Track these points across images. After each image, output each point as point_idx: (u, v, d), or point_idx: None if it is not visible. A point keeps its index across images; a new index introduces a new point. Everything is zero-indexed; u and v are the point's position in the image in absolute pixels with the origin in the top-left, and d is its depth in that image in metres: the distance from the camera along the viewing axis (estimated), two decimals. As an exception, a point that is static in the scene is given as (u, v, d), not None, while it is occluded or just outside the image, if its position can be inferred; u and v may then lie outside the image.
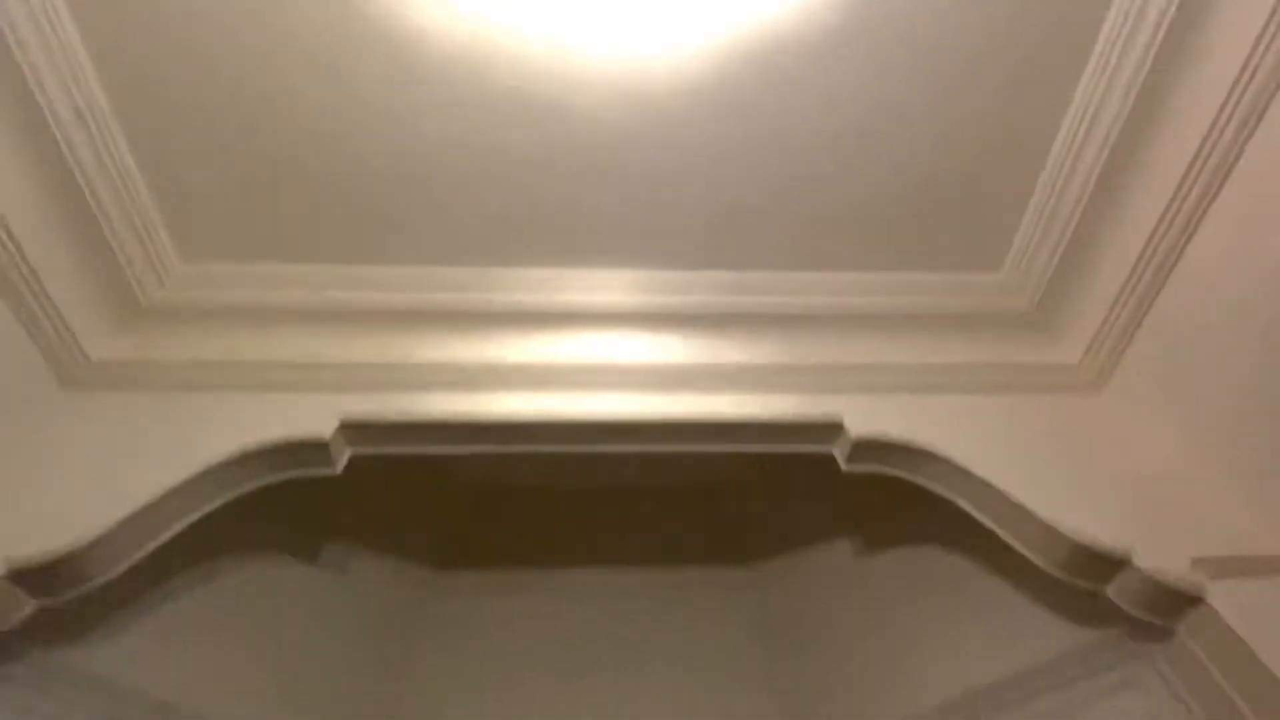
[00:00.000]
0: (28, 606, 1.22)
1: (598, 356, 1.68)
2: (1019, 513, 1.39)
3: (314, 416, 1.51)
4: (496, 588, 2.21)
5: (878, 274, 1.79)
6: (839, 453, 1.61)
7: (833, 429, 1.60)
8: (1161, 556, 1.28)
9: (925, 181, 1.66)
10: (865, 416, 1.58)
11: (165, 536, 1.37)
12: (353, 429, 1.53)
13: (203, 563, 1.69)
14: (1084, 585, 1.36)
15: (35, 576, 1.20)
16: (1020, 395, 1.66)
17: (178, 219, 1.63)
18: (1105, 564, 1.31)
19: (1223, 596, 1.22)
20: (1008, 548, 1.48)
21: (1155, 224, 1.48)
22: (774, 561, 2.20)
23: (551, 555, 2.26)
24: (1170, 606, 1.27)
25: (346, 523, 2.03)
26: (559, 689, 1.98)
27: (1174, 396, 1.59)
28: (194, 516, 1.41)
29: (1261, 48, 1.21)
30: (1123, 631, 1.42)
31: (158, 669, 1.49)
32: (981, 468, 1.46)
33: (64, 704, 1.35)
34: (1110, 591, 1.34)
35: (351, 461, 1.56)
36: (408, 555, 2.15)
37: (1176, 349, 1.56)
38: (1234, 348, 1.40)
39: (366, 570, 2.05)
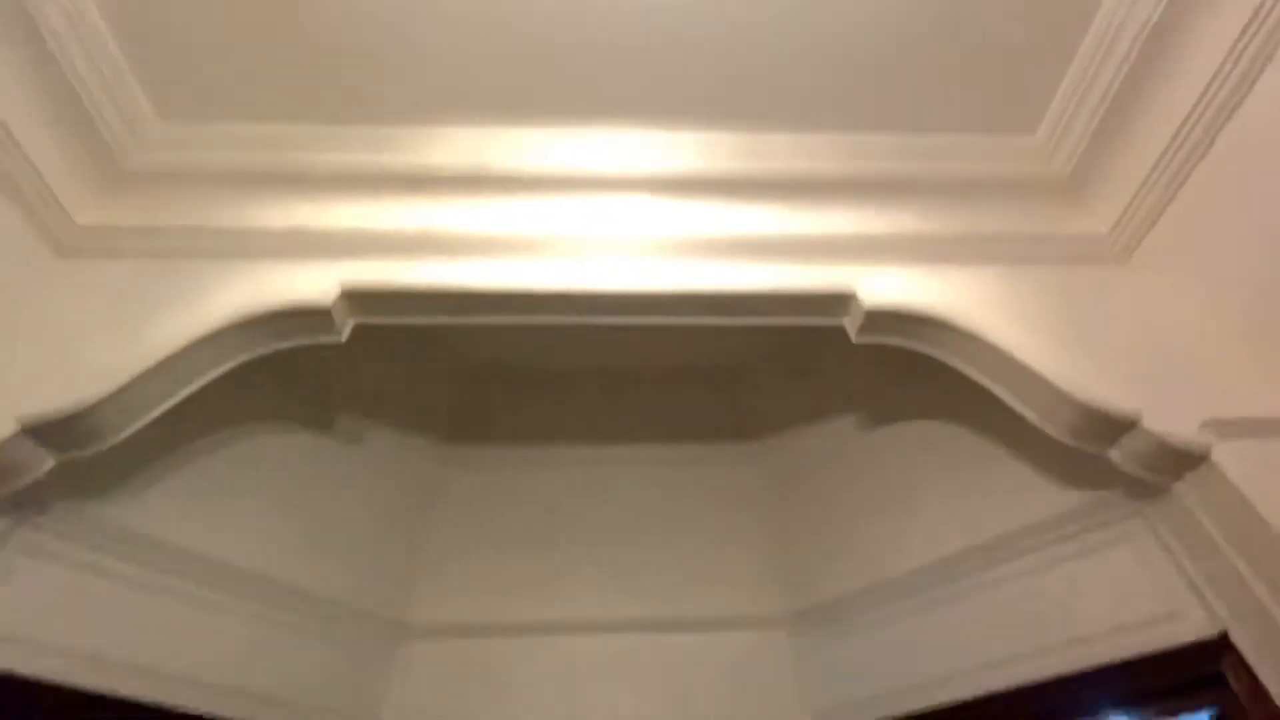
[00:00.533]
0: (48, 461, 1.25)
1: (603, 224, 1.61)
2: (1030, 379, 1.39)
3: (315, 284, 1.48)
4: (508, 463, 2.28)
5: (902, 136, 1.68)
6: (850, 325, 1.58)
7: (845, 300, 1.56)
8: (1171, 419, 1.28)
9: (963, 31, 1.52)
10: (879, 287, 1.54)
11: (175, 399, 1.38)
12: (354, 297, 1.50)
13: (220, 429, 1.73)
14: (1088, 449, 1.37)
15: (53, 432, 1.23)
16: (1042, 266, 1.60)
17: (151, 75, 1.53)
18: (1113, 426, 1.31)
19: (1228, 455, 1.23)
20: (1011, 416, 1.50)
21: (1204, 87, 1.36)
22: (779, 437, 2.25)
23: (561, 433, 2.31)
24: (1174, 466, 1.29)
25: (359, 397, 2.06)
26: (569, 556, 2.09)
27: (1200, 271, 1.54)
28: (203, 380, 1.41)
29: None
30: (1117, 493, 1.47)
31: (182, 524, 1.56)
32: (995, 335, 1.43)
33: (94, 551, 1.41)
34: (1114, 454, 1.35)
35: (358, 334, 1.54)
36: (420, 430, 2.20)
37: (1208, 223, 1.49)
38: (1268, 224, 1.34)
39: (380, 443, 2.10)
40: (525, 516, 2.18)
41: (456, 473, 2.25)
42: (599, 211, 1.63)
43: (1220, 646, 1.23)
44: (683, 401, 2.34)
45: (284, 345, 1.51)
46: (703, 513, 2.20)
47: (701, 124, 1.66)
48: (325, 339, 1.52)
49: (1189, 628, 1.28)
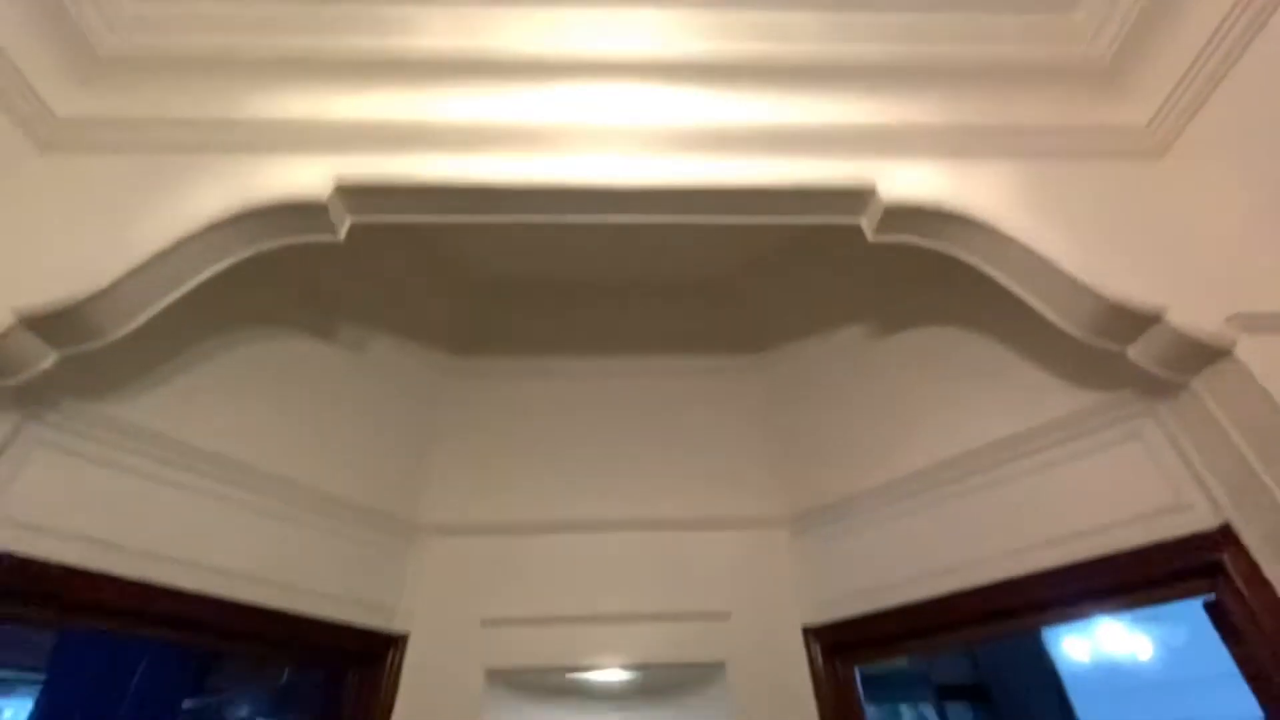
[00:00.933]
0: (50, 355, 1.24)
1: (609, 114, 1.52)
2: (1053, 275, 1.34)
3: (309, 178, 1.42)
4: (512, 374, 2.28)
5: (927, 14, 1.56)
6: (867, 222, 1.51)
7: (863, 196, 1.49)
8: (1195, 314, 1.24)
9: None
10: (900, 182, 1.46)
11: (171, 297, 1.35)
12: (350, 193, 1.44)
13: (225, 333, 1.71)
14: (1106, 346, 1.34)
15: (50, 326, 1.21)
16: (1073, 160, 1.51)
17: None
18: (1135, 321, 1.28)
19: (1252, 348, 1.20)
20: (1021, 320, 1.47)
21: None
22: (782, 349, 2.22)
23: (565, 345, 2.29)
24: (1194, 361, 1.26)
25: (361, 305, 2.03)
26: (575, 462, 2.12)
27: (1236, 166, 1.45)
28: (197, 279, 1.38)
29: None
30: (1127, 393, 1.45)
31: (192, 421, 1.57)
32: (1019, 231, 1.37)
33: (106, 447, 1.43)
34: (1132, 351, 1.32)
35: (358, 239, 1.49)
36: (425, 340, 2.18)
37: (1250, 116, 1.39)
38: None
39: (384, 352, 2.09)
40: (531, 425, 2.19)
41: (461, 383, 2.25)
42: (604, 101, 1.53)
43: (1221, 537, 1.25)
44: (686, 314, 2.30)
45: (279, 244, 1.46)
46: (707, 421, 2.21)
47: (713, 1, 1.54)
48: (321, 237, 1.48)
49: (1191, 519, 1.30)
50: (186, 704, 2.26)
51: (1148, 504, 1.36)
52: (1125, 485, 1.40)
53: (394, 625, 1.80)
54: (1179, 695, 4.21)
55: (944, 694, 3.97)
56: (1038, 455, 1.54)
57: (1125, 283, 1.28)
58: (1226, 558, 1.23)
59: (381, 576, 1.83)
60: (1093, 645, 3.74)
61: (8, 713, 4.44)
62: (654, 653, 1.77)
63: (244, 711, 2.00)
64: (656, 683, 1.88)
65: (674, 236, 2.12)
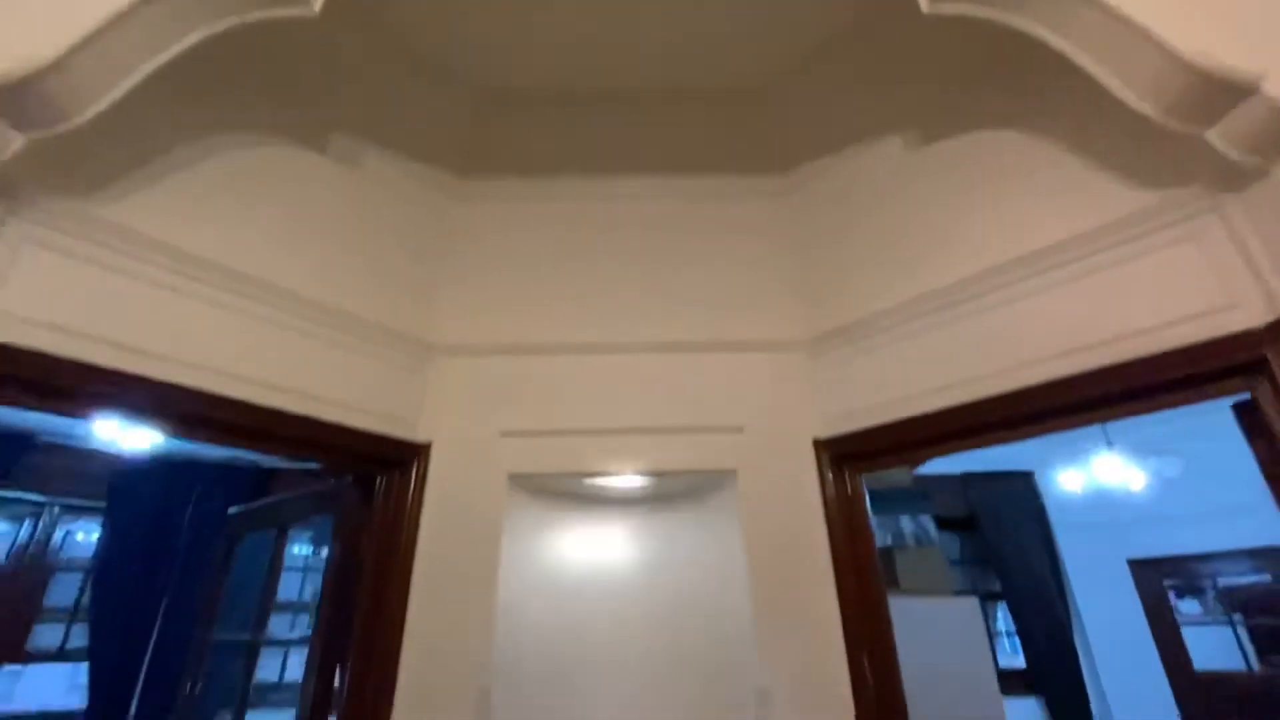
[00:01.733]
0: (16, 139, 1.15)
1: None
2: (1135, 40, 1.15)
3: (269, -69, 1.21)
4: (522, 195, 2.14)
5: None
6: (924, -15, 1.29)
7: (921, -49, 1.26)
8: (1297, 83, 1.07)
9: None
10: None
11: (138, 75, 1.22)
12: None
13: (211, 134, 1.59)
14: (1185, 128, 1.19)
15: (7, 101, 1.10)
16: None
17: None
18: (1227, 94, 1.11)
19: (1356, 121, 1.05)
20: (1081, 112, 1.30)
21: None
22: (812, 166, 2.05)
23: (575, 164, 2.13)
24: (1283, 139, 1.11)
25: (354, 115, 1.86)
26: (591, 285, 2.06)
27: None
28: (165, 54, 1.23)
29: None
30: (1194, 188, 1.32)
31: (190, 227, 1.51)
32: (1104, -11, 1.16)
33: (108, 251, 1.38)
34: (1213, 133, 1.17)
35: (351, 43, 1.30)
36: (423, 157, 2.03)
37: None
38: None
39: (382, 168, 1.95)
40: (544, 247, 2.11)
41: (470, 207, 2.13)
42: None
43: (1268, 334, 1.19)
44: (709, 126, 2.10)
45: (252, 17, 1.29)
46: (727, 244, 2.11)
47: None
48: (292, 10, 1.30)
49: (1238, 318, 1.23)
50: (232, 510, 2.43)
51: (1194, 305, 1.29)
52: (1173, 286, 1.32)
53: (417, 436, 1.85)
54: (1157, 530, 4.49)
55: (936, 524, 4.26)
56: (1080, 262, 1.45)
57: (1215, 46, 1.10)
58: (1271, 354, 1.17)
59: (400, 392, 1.86)
60: (1087, 478, 3.90)
61: (80, 535, 4.96)
62: (668, 460, 1.83)
63: (283, 514, 2.14)
64: (670, 490, 1.97)
65: (700, 36, 1.87)
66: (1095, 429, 3.80)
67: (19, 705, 3.90)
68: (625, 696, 1.83)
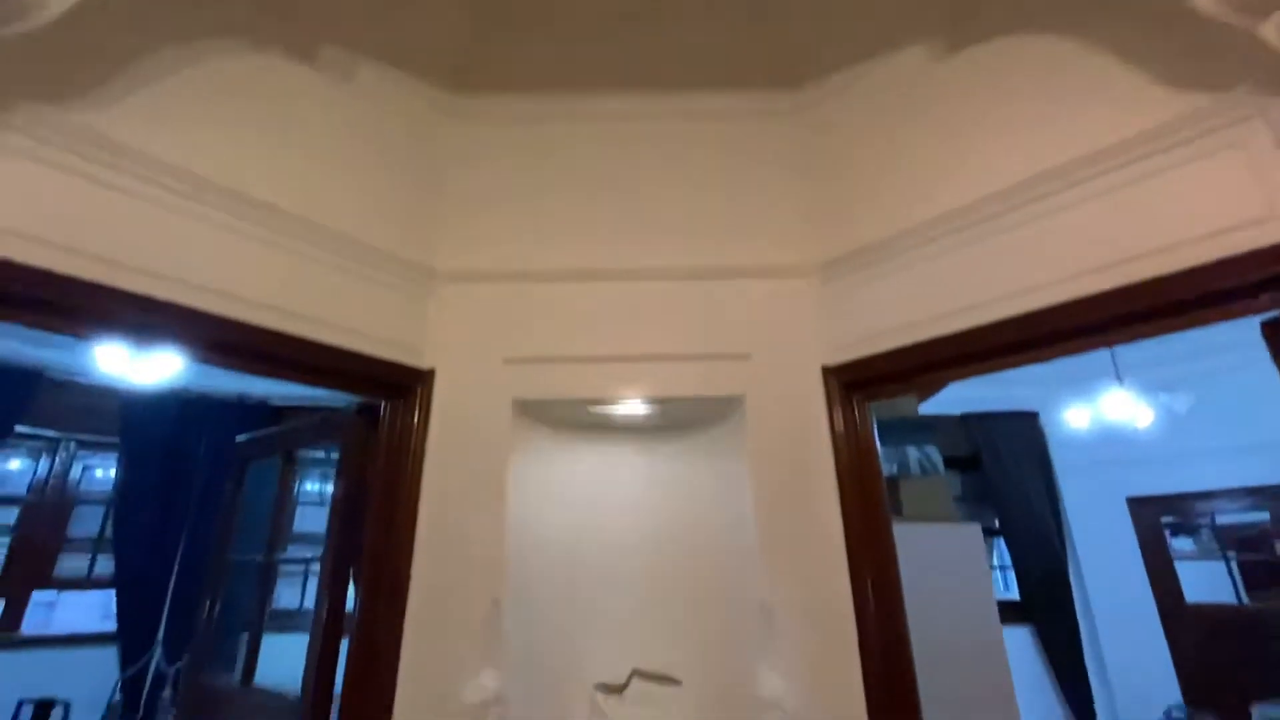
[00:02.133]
0: (-19, 33, 1.07)
1: None
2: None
3: None
4: (523, 116, 2.04)
5: None
6: None
7: None
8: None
9: None
10: None
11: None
12: None
13: (191, 42, 1.49)
14: (1239, 21, 1.10)
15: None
16: None
17: None
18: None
19: None
20: (1124, 13, 1.19)
21: None
22: (829, 81, 1.93)
23: (579, 80, 2.02)
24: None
25: (348, 26, 1.75)
26: (594, 209, 1.99)
27: None
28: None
29: None
30: (1239, 91, 1.23)
31: (175, 138, 1.44)
32: None
33: (96, 165, 1.33)
34: (1268, 26, 1.08)
35: None
36: (421, 74, 1.93)
37: None
38: None
39: (374, 82, 1.85)
40: (547, 169, 2.03)
41: (468, 124, 2.04)
42: None
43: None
44: (720, 36, 1.97)
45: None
46: (737, 165, 2.02)
47: None
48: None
49: (1274, 229, 1.17)
50: (240, 437, 2.45)
51: (1231, 217, 1.22)
52: (1209, 199, 1.25)
53: (421, 362, 1.83)
54: (1158, 469, 4.51)
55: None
56: (1109, 175, 1.37)
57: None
58: (1309, 267, 1.12)
59: (402, 318, 1.83)
60: (1094, 414, 3.89)
61: (99, 471, 5.08)
62: (675, 386, 1.81)
63: (289, 441, 2.16)
64: (676, 417, 1.96)
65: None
66: (1106, 365, 3.76)
67: (56, 629, 4.12)
68: (632, 611, 1.87)
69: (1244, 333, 1.29)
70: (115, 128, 1.35)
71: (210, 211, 1.48)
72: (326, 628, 1.72)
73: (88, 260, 1.28)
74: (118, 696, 3.86)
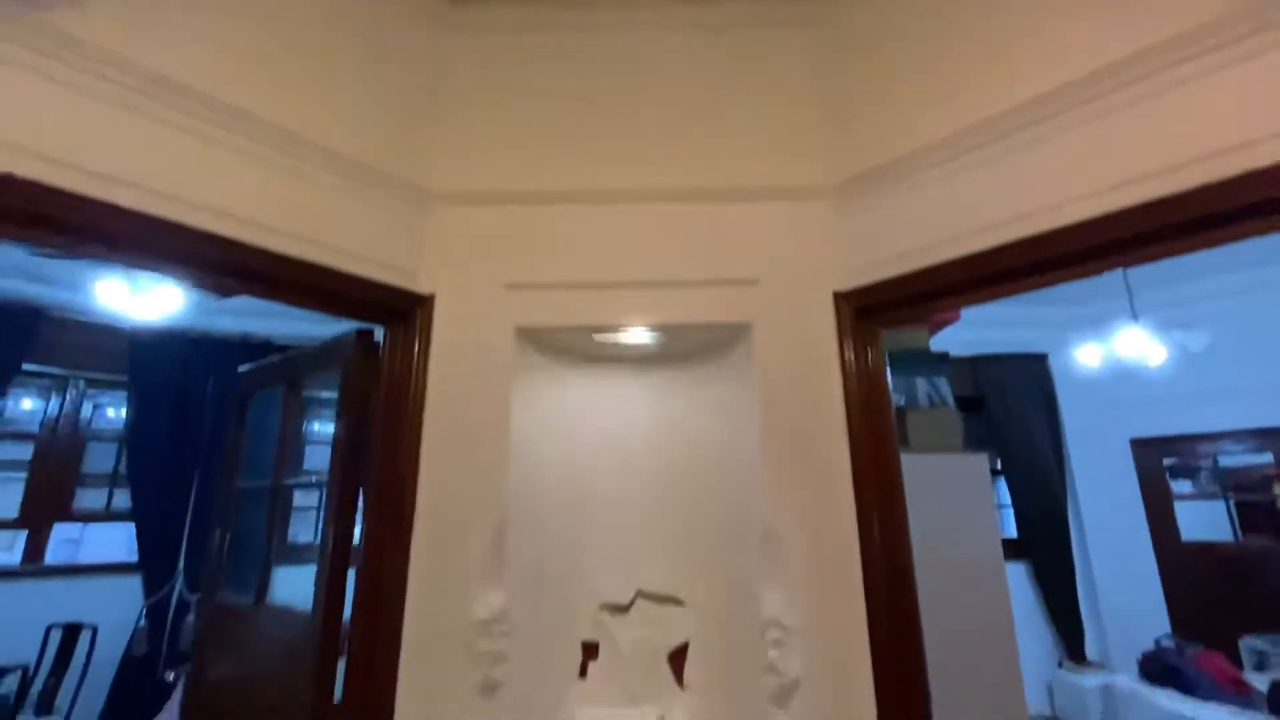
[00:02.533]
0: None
1: None
2: None
3: None
4: (523, 24, 1.92)
5: None
6: None
7: None
8: None
9: None
10: None
11: None
12: None
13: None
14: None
15: None
16: None
17: None
18: None
19: None
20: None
21: None
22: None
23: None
24: None
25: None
26: (599, 126, 1.89)
27: None
28: None
29: None
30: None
31: (154, 42, 1.35)
32: None
33: (76, 71, 1.25)
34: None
35: None
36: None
37: None
38: None
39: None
40: (548, 85, 1.92)
41: (464, 35, 1.93)
42: None
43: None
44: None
45: None
46: (749, 81, 1.91)
47: None
48: None
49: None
50: (242, 368, 2.44)
51: (1271, 125, 1.13)
52: (1253, 102, 1.16)
53: (419, 287, 1.78)
54: (1163, 410, 4.49)
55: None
56: (1148, 80, 1.27)
57: None
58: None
59: (400, 240, 1.77)
60: (1106, 352, 3.84)
61: (110, 410, 5.14)
62: (680, 313, 1.76)
63: (290, 370, 2.14)
64: (682, 346, 1.92)
65: None
66: (1123, 302, 3.68)
67: (84, 559, 4.28)
68: (637, 535, 1.89)
69: (1264, 271, 1.23)
70: (78, 26, 1.26)
71: (182, 117, 1.39)
72: (334, 555, 1.74)
73: (57, 168, 1.21)
74: (143, 623, 4.01)
